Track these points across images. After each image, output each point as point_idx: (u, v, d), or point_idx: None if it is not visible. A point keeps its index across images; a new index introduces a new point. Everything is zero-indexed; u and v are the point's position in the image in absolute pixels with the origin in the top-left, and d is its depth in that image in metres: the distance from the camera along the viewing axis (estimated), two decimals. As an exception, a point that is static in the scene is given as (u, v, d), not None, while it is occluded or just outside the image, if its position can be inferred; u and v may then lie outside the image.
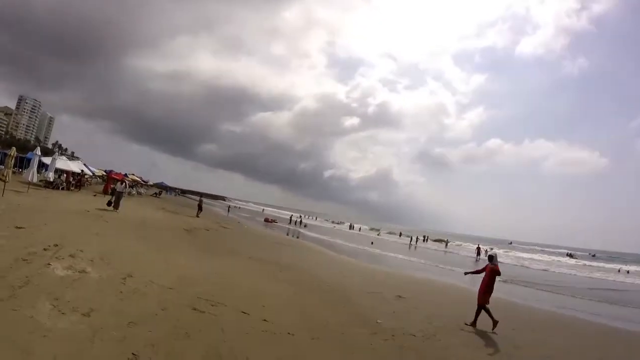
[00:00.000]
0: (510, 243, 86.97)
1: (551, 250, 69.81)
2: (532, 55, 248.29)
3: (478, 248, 42.41)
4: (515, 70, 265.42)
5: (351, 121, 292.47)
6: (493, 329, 8.05)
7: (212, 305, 6.27)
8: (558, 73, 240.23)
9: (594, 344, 8.47)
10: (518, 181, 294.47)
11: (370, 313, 8.07)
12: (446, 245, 56.21)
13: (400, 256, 27.83)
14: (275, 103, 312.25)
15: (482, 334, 7.84)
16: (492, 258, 8.94)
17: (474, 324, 8.30)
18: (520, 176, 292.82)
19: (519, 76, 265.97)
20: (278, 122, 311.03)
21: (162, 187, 71.43)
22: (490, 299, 8.39)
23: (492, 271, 8.52)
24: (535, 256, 51.09)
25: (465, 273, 10.29)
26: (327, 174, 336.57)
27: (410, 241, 51.18)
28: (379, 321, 7.45)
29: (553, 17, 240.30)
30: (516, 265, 34.47)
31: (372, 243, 36.55)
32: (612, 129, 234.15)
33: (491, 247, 50.85)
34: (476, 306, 8.42)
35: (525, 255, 51.15)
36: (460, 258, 35.60)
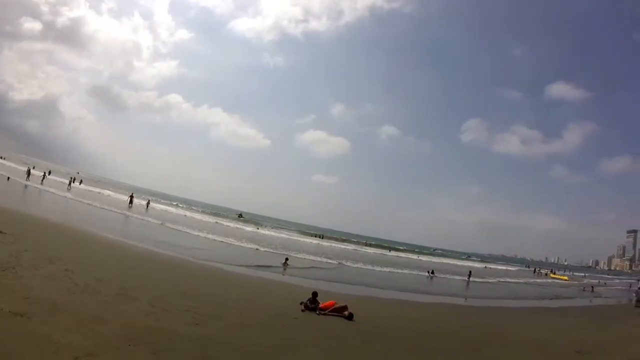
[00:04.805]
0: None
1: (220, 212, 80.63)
2: (240, 35, 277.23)
3: (131, 196, 43.74)
4: (221, 41, 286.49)
5: (32, 25, 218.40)
6: None
7: None
8: (256, 60, 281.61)
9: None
10: (186, 139, 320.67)
11: None
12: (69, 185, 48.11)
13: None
14: None
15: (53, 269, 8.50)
16: None
17: None
18: (189, 135, 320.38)
19: (221, 47, 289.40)
20: None
21: None
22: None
23: None
24: (190, 213, 57.38)
25: None
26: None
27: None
28: None
29: (276, 14, 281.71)
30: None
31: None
32: (280, 120, 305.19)
33: (149, 198, 53.01)
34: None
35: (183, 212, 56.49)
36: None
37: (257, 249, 26.58)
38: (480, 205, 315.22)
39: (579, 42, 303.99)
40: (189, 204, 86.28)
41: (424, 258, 61.28)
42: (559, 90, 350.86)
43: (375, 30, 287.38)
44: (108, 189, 61.17)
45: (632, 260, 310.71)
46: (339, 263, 28.03)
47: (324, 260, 27.98)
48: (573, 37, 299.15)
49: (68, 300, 6.63)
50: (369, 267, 29.71)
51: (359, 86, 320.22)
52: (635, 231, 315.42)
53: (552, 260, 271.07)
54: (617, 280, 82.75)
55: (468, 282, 32.15)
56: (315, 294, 10.54)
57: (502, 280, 41.10)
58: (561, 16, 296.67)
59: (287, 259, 21.24)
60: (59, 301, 6.44)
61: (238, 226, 51.32)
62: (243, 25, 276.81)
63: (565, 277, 65.48)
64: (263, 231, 52.71)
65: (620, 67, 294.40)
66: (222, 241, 27.22)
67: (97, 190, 53.64)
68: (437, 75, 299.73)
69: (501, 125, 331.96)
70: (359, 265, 29.47)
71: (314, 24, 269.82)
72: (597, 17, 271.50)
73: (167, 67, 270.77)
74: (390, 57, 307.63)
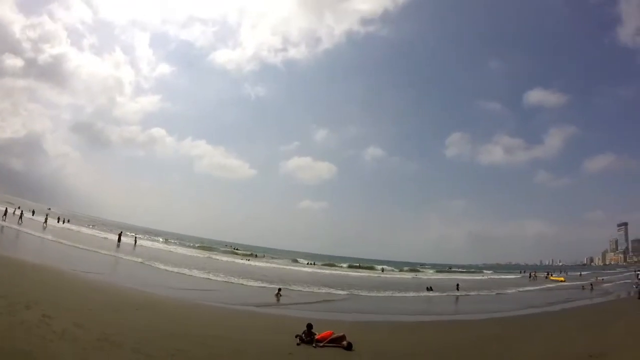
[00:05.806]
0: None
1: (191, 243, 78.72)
2: (221, 66, 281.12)
3: (120, 235, 43.21)
4: (202, 74, 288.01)
5: (14, 62, 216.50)
6: None
7: None
8: (237, 90, 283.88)
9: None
10: (171, 173, 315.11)
11: None
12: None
13: None
14: None
15: None
16: None
17: None
18: (174, 169, 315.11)
19: (202, 79, 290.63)
20: None
21: None
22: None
23: None
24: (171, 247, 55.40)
25: None
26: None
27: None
28: None
29: (255, 45, 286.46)
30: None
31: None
32: (265, 149, 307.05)
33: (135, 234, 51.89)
34: None
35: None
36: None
37: (250, 284, 24.70)
38: (470, 218, 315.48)
39: (552, 48, 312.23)
40: (177, 239, 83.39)
41: (422, 276, 59.96)
42: (537, 96, 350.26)
43: (353, 55, 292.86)
44: (91, 227, 59.65)
45: (625, 252, 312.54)
46: (350, 292, 25.69)
47: (331, 291, 25.63)
48: (546, 44, 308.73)
49: (43, 350, 6.15)
50: (374, 293, 27.39)
51: (340, 110, 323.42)
52: (625, 224, 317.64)
53: (547, 263, 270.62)
54: (620, 275, 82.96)
55: (457, 296, 31.17)
56: (309, 326, 10.01)
57: (514, 291, 39.54)
58: (532, 25, 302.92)
59: (279, 290, 19.99)
60: (34, 351, 6.00)
61: (228, 259, 48.02)
62: (223, 56, 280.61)
63: (562, 278, 65.49)
64: (254, 262, 49.87)
65: (594, 69, 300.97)
66: (212, 278, 25.01)
67: (78, 228, 51.54)
68: (417, 93, 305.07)
69: (484, 137, 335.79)
70: (364, 292, 26.91)
71: (293, 52, 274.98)
72: (567, 23, 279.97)
73: (150, 102, 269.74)
74: (370, 79, 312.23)
